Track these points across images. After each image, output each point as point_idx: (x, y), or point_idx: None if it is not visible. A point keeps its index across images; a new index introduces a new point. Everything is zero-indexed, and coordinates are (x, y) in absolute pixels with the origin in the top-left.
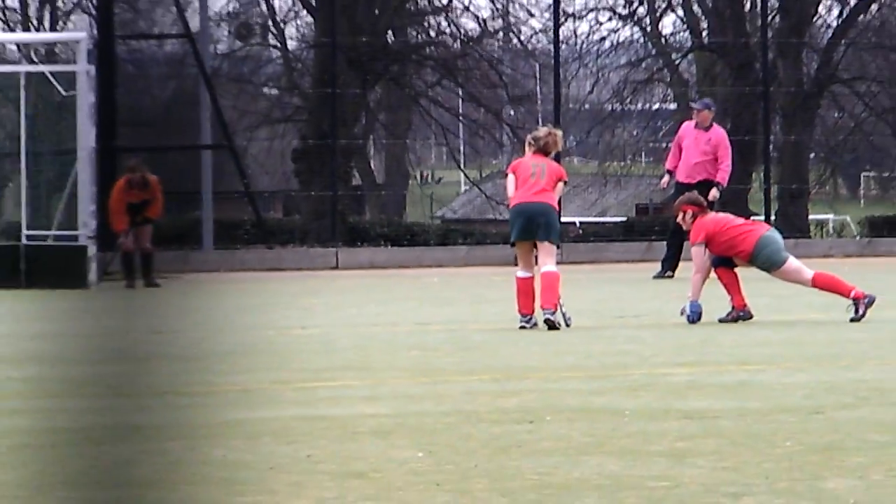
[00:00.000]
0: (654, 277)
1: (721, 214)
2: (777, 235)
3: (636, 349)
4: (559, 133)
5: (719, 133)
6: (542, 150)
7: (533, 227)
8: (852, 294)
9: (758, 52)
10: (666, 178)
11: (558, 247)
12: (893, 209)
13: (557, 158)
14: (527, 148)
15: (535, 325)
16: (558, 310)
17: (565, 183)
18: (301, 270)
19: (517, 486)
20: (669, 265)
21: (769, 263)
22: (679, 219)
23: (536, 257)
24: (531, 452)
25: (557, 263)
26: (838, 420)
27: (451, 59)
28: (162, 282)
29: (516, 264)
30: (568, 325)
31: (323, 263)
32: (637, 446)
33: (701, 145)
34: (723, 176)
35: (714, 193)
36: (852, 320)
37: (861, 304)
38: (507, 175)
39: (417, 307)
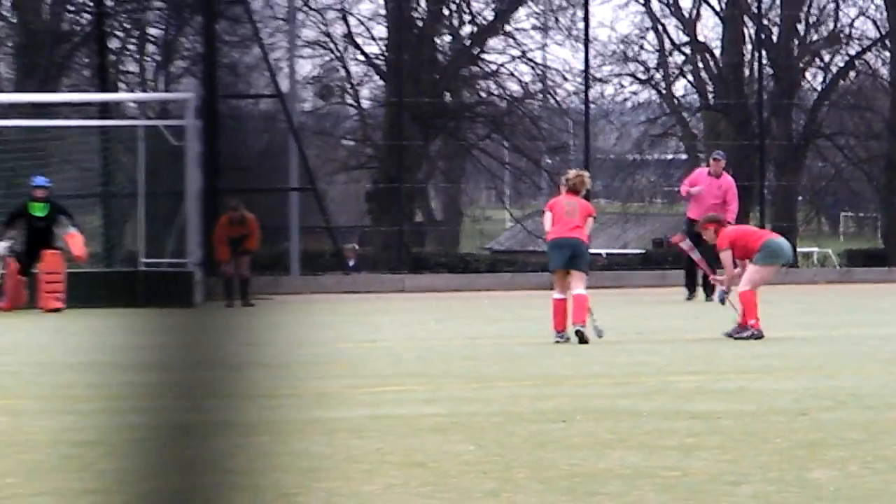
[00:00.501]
0: (686, 300)
1: (740, 226)
2: (782, 242)
3: (652, 360)
4: (586, 174)
5: (729, 181)
6: (573, 189)
7: (567, 258)
8: (750, 322)
9: (755, 112)
10: (697, 188)
11: (587, 274)
12: (868, 244)
13: (588, 198)
14: (561, 188)
15: (567, 340)
16: (588, 324)
17: (595, 218)
18: (373, 293)
19: (552, 475)
20: (691, 291)
21: (765, 259)
22: (704, 235)
23: (569, 283)
24: (564, 447)
25: (588, 288)
26: (821, 420)
27: (499, 116)
28: (256, 303)
29: (552, 289)
30: (600, 337)
31: (391, 287)
32: (653, 442)
33: (713, 190)
34: (731, 217)
35: None
36: (727, 335)
37: (746, 331)
38: (545, 212)
39: (470, 324)
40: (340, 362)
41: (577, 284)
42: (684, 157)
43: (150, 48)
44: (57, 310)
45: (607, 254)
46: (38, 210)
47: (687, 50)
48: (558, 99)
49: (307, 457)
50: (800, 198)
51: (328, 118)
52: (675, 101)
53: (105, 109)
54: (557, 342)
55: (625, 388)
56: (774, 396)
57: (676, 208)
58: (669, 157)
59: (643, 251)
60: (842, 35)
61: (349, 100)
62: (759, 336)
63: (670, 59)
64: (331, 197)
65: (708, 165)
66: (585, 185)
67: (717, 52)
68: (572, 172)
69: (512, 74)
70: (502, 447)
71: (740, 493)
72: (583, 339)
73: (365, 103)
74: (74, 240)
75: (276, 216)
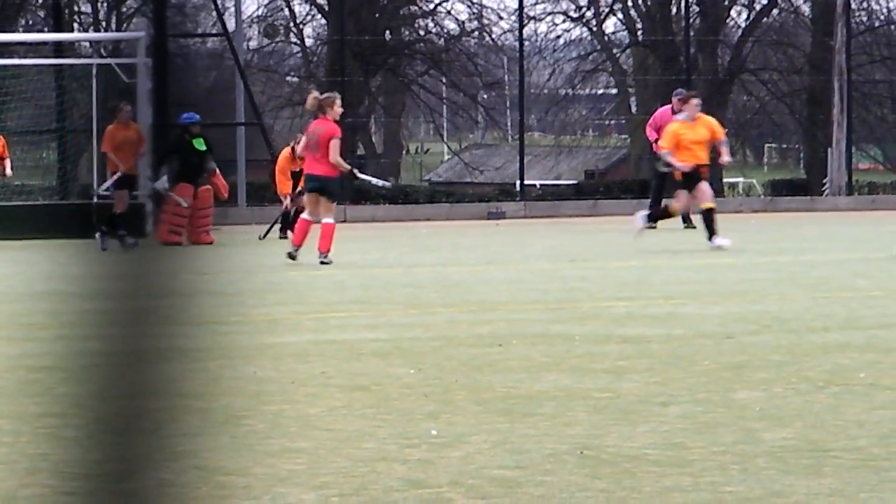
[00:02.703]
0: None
1: None
2: None
3: (585, 286)
4: (328, 95)
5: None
6: (320, 112)
7: (315, 191)
8: None
9: (682, 48)
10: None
11: (334, 202)
12: (791, 174)
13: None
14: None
15: (296, 259)
16: (329, 254)
17: (339, 138)
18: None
19: (489, 397)
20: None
21: None
22: None
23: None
24: (501, 370)
25: (523, 217)
26: (746, 344)
27: (437, 53)
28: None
29: (488, 218)
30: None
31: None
32: (585, 365)
33: None
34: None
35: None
36: None
37: None
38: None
39: (410, 253)
40: (287, 290)
41: (324, 214)
42: (614, 91)
43: None
44: (209, 244)
45: (541, 185)
46: (200, 144)
47: None
48: (494, 36)
49: (255, 381)
50: (725, 130)
51: (273, 56)
52: (606, 38)
53: (60, 49)
54: (290, 256)
55: (558, 314)
56: (702, 321)
57: (607, 141)
58: (600, 91)
59: (575, 182)
60: None
61: (293, 38)
62: None
63: None
64: (276, 131)
65: (669, 103)
66: (333, 105)
67: None
68: (311, 97)
69: (449, 13)
70: (441, 370)
71: (669, 414)
72: (324, 263)
73: (308, 41)
74: (220, 178)
75: (224, 149)
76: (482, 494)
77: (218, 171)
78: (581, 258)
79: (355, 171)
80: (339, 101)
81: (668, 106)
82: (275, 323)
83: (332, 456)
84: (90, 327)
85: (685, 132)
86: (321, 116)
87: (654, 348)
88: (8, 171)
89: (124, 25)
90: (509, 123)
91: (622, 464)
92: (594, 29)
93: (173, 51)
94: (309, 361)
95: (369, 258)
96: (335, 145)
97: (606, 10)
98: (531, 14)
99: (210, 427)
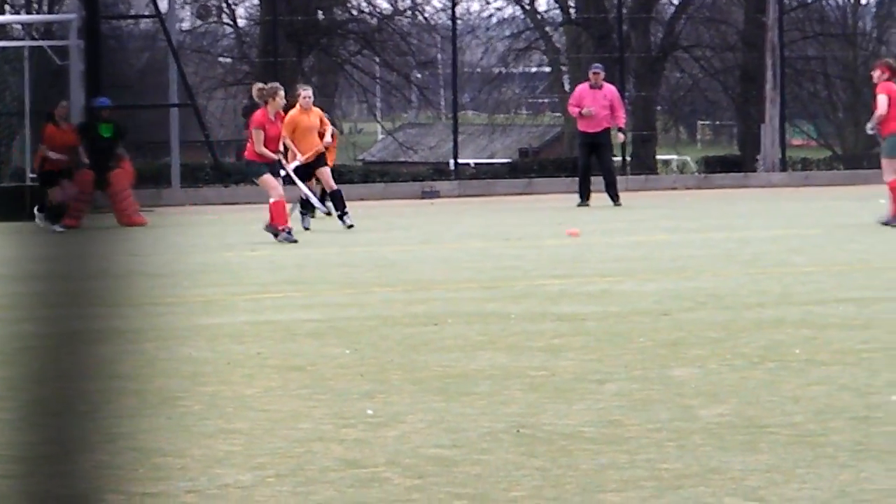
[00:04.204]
0: (578, 206)
1: None
2: None
3: (520, 265)
4: (272, 85)
5: (611, 89)
6: (261, 102)
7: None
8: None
9: (615, 25)
10: (587, 109)
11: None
12: (724, 151)
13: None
14: None
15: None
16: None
17: (259, 129)
18: (251, 204)
19: (425, 376)
20: (584, 197)
21: (888, 152)
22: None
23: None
24: (436, 349)
25: (457, 196)
26: (682, 320)
27: (370, 33)
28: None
29: (422, 197)
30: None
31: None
32: (521, 343)
33: (599, 100)
34: (621, 122)
35: (621, 136)
36: (883, 223)
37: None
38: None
39: (344, 232)
40: (221, 271)
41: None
42: (548, 69)
43: None
44: (142, 225)
45: (475, 163)
46: (105, 130)
47: None
48: (426, 15)
49: (191, 362)
50: (658, 107)
51: (206, 37)
52: (539, 16)
53: None
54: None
55: (493, 292)
56: (637, 298)
57: (541, 119)
58: (533, 70)
59: (509, 160)
60: None
61: (226, 19)
62: None
63: None
64: (209, 112)
65: (587, 80)
66: (263, 94)
67: None
68: (255, 87)
69: None
70: (377, 350)
71: (605, 391)
72: None
73: (241, 22)
74: (128, 166)
75: (157, 131)
76: (419, 473)
77: (128, 158)
78: (515, 237)
79: (282, 160)
80: (281, 93)
81: (587, 83)
82: (210, 304)
83: (269, 436)
84: (24, 310)
85: None
86: (262, 107)
87: (589, 326)
88: (83, 159)
89: (56, 7)
90: (443, 102)
91: (558, 442)
92: (527, 7)
93: (106, 32)
94: (244, 342)
95: (304, 238)
96: (257, 136)
97: None
98: None
99: (146, 408)
